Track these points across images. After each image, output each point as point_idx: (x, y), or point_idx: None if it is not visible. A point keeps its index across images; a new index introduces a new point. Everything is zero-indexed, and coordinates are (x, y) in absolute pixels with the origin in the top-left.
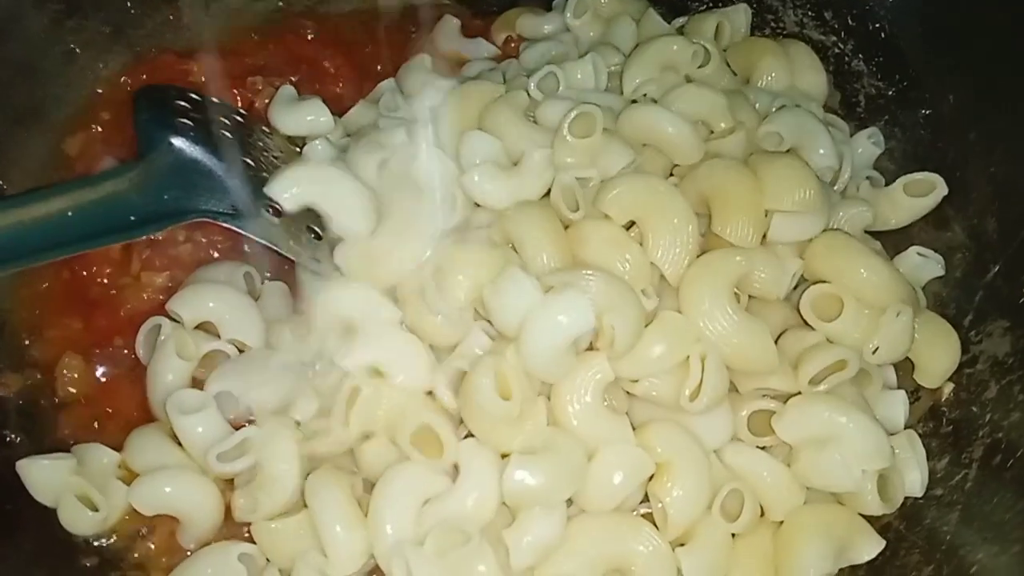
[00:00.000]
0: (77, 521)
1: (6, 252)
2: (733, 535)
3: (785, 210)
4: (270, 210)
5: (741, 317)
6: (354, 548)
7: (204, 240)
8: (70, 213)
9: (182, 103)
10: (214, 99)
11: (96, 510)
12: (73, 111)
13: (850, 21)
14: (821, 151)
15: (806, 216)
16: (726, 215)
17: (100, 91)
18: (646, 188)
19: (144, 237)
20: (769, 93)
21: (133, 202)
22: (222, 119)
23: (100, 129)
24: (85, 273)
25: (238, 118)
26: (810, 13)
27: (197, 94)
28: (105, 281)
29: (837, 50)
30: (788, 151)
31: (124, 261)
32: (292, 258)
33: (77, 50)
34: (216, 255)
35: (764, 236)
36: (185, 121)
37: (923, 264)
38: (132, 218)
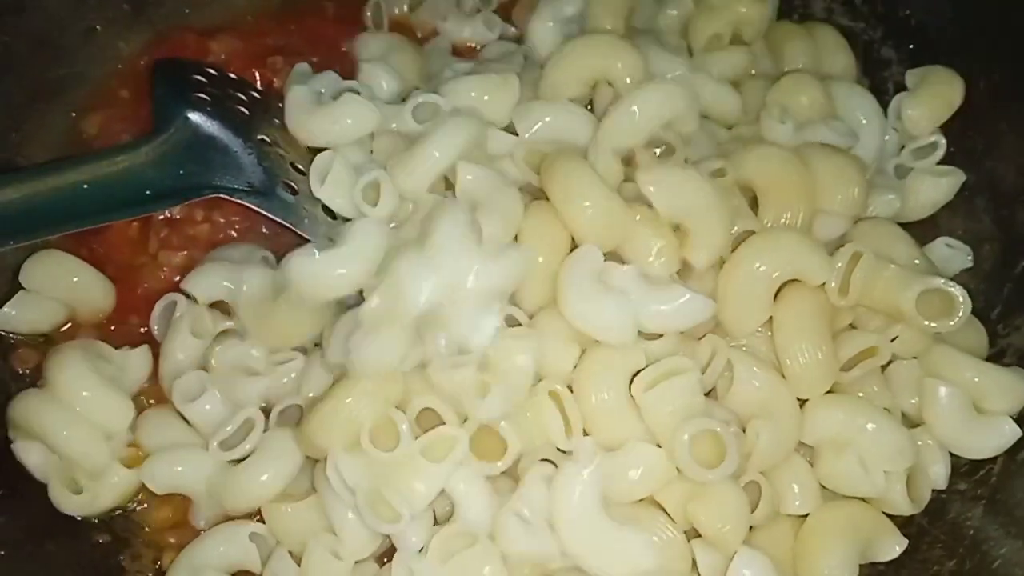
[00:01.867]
0: (66, 502)
1: (22, 223)
2: (750, 528)
3: (835, 212)
4: (286, 188)
5: None
6: (367, 532)
7: (222, 220)
8: (86, 186)
9: (199, 78)
10: (231, 75)
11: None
12: (93, 88)
13: (879, 7)
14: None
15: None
16: (776, 208)
17: (120, 69)
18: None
19: (160, 213)
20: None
21: (149, 176)
22: (239, 95)
23: (119, 107)
24: (102, 251)
25: (255, 95)
26: None
27: (215, 68)
28: (122, 260)
29: (866, 37)
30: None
31: (141, 240)
32: (308, 237)
33: (98, 27)
34: (234, 235)
35: None
36: (202, 96)
37: (951, 255)
38: (148, 192)
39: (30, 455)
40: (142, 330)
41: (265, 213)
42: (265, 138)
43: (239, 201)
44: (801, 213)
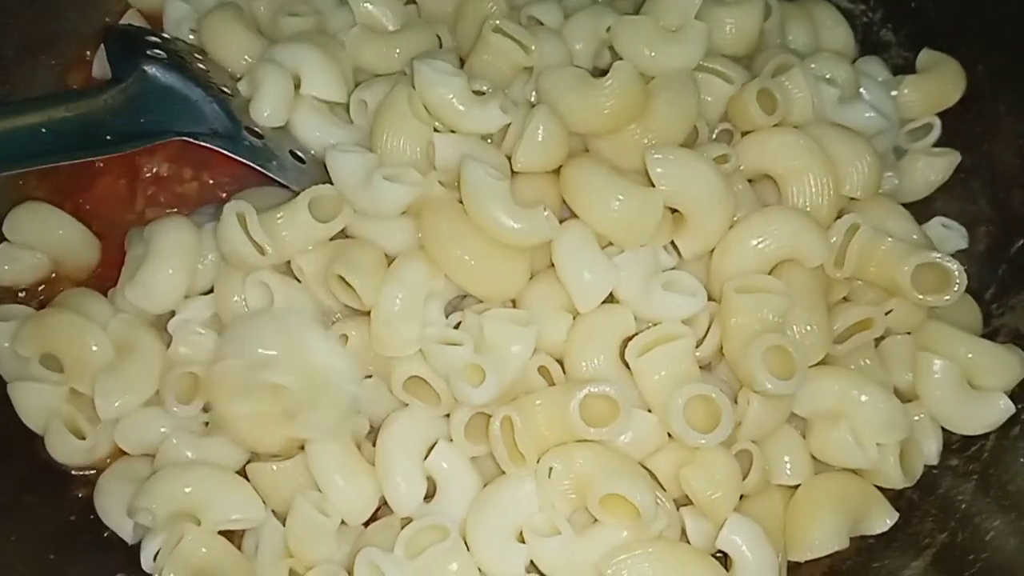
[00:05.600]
0: (63, 449)
1: None
2: (741, 497)
3: (854, 194)
4: (252, 133)
5: None
6: (359, 498)
7: (211, 181)
8: (44, 130)
9: (152, 39)
10: (185, 40)
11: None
12: (83, 46)
13: None
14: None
15: None
16: (804, 195)
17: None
18: (702, 179)
19: (148, 171)
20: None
21: (108, 123)
22: (196, 55)
23: None
24: (88, 207)
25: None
26: None
27: (168, 35)
28: (108, 215)
29: (865, 19)
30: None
31: (128, 197)
32: (279, 180)
33: None
34: (224, 196)
35: None
36: (158, 53)
37: (947, 236)
38: (108, 137)
39: (30, 397)
40: None
41: (234, 156)
42: (226, 89)
43: (206, 144)
44: (826, 200)
